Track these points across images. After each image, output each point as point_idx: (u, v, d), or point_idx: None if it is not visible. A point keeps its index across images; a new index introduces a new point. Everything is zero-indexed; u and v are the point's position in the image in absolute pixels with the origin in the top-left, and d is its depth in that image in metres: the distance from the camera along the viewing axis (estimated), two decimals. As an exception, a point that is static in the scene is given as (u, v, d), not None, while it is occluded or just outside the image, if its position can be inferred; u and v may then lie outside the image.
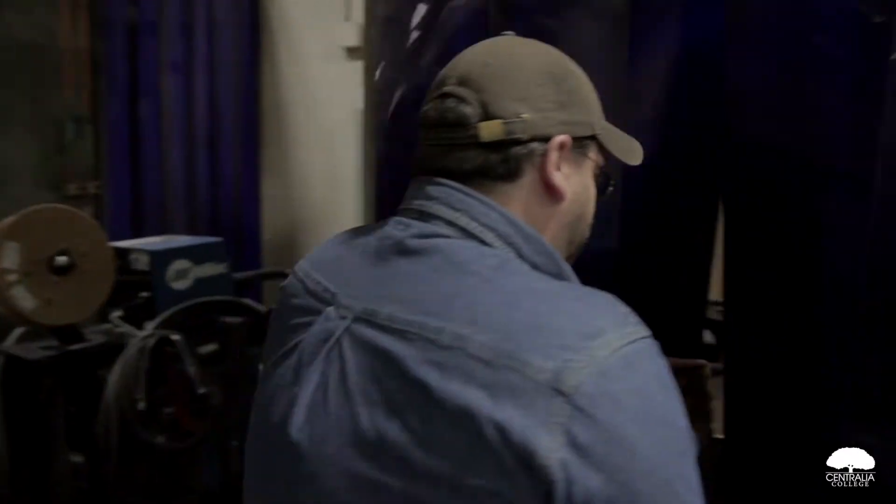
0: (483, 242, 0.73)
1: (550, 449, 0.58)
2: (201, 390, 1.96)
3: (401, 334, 0.67)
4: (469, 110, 0.75)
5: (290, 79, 2.90)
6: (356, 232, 0.83)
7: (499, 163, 0.76)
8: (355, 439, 0.66)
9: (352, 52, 2.76)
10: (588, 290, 0.69)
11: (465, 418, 0.60)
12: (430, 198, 0.76)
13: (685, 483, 0.61)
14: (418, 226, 0.75)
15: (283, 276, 2.52)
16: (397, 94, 1.29)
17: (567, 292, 0.70)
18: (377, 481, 0.64)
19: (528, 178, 0.77)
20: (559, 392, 0.59)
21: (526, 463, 0.58)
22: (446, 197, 0.75)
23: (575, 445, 0.58)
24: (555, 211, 0.79)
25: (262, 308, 2.27)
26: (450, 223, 0.74)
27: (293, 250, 2.91)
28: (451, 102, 0.76)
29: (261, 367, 0.83)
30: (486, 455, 0.59)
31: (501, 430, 0.59)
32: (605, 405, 0.59)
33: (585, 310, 0.65)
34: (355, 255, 0.79)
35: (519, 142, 0.76)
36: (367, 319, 0.71)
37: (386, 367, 0.67)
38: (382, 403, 0.65)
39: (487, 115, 0.75)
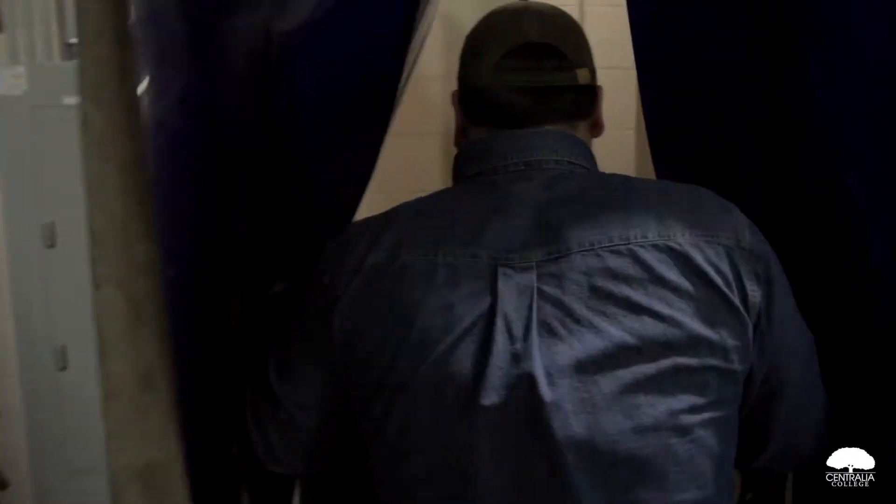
0: (584, 167, 0.88)
1: (754, 290, 0.79)
2: None
3: (609, 250, 0.78)
4: (572, 59, 0.90)
5: None
6: (439, 204, 0.86)
7: (586, 103, 0.93)
8: (613, 351, 0.76)
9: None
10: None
11: (705, 291, 0.77)
12: (530, 148, 0.87)
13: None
14: (538, 175, 0.85)
15: None
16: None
17: (675, 182, 0.90)
18: (650, 371, 0.76)
19: (592, 117, 0.94)
20: (743, 248, 0.80)
21: (746, 306, 0.79)
22: (541, 143, 0.87)
23: (760, 282, 0.80)
24: (591, 143, 0.95)
25: None
26: (557, 162, 0.87)
27: None
28: (546, 50, 0.89)
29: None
30: (728, 311, 0.78)
31: (733, 287, 0.78)
32: (764, 250, 0.82)
33: (706, 192, 0.85)
34: (473, 220, 0.82)
35: (592, 87, 0.93)
36: (558, 257, 0.78)
37: (612, 282, 0.77)
38: (625, 310, 0.76)
39: (577, 64, 0.90)
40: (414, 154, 1.53)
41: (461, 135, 0.96)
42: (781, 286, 0.82)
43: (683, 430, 0.76)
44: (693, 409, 0.76)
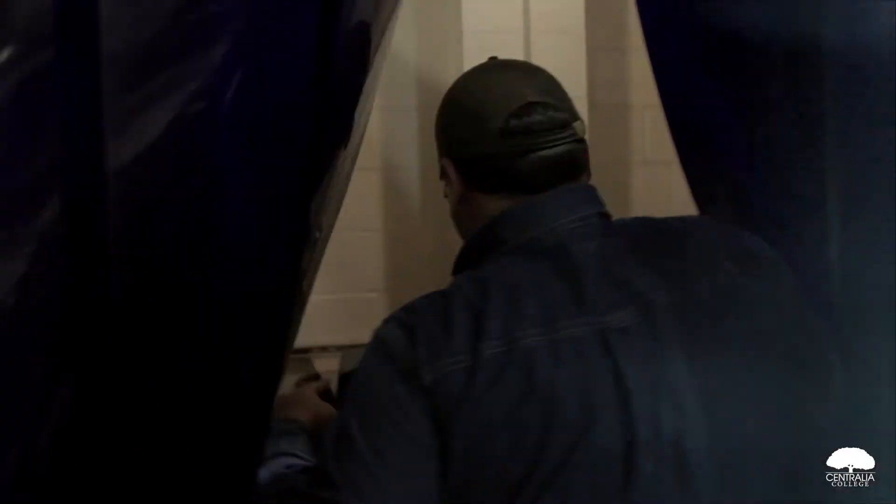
0: (609, 217, 0.93)
1: (790, 295, 0.87)
2: None
3: (688, 293, 0.81)
4: (567, 114, 0.93)
5: None
6: (519, 277, 0.83)
7: (586, 156, 0.96)
8: (729, 394, 0.78)
9: None
10: None
11: (772, 310, 0.83)
12: (577, 204, 0.91)
13: None
14: (593, 231, 0.89)
15: None
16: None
17: (689, 216, 1.01)
18: (761, 404, 0.79)
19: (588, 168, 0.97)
20: (773, 262, 0.87)
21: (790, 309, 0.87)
22: (582, 198, 0.92)
23: (790, 285, 0.87)
24: None
25: None
26: (599, 215, 0.91)
27: None
28: (549, 110, 0.92)
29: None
30: (790, 323, 0.85)
31: (784, 302, 0.86)
32: (778, 255, 0.89)
33: (714, 221, 0.95)
34: (567, 287, 0.82)
35: (584, 139, 0.95)
36: (649, 313, 0.80)
37: (704, 323, 0.80)
38: (723, 349, 0.79)
39: (573, 118, 0.93)
40: (352, 189, 1.48)
41: (461, 202, 0.96)
42: (792, 278, 0.88)
43: (806, 468, 0.81)
44: (792, 429, 0.80)
